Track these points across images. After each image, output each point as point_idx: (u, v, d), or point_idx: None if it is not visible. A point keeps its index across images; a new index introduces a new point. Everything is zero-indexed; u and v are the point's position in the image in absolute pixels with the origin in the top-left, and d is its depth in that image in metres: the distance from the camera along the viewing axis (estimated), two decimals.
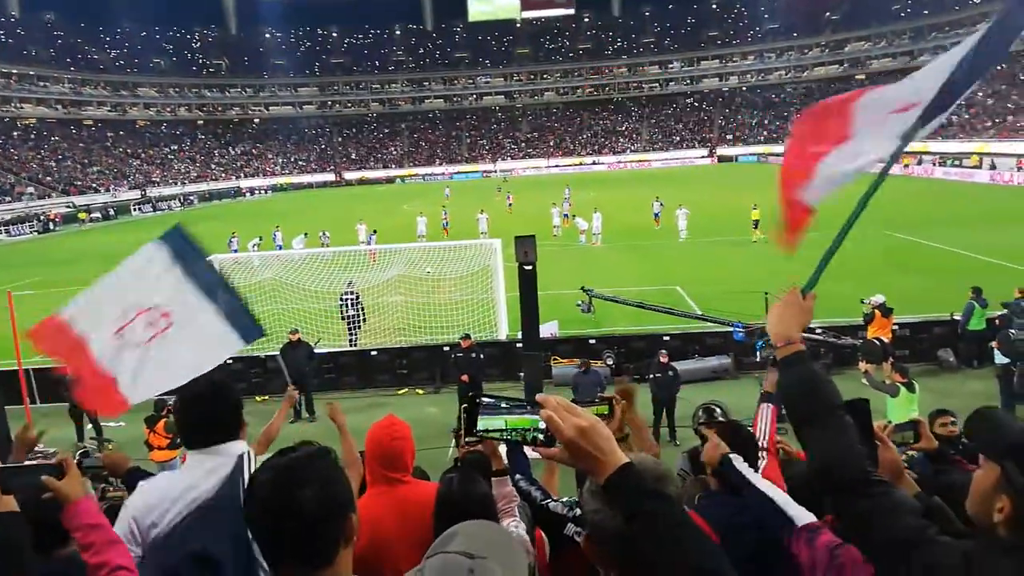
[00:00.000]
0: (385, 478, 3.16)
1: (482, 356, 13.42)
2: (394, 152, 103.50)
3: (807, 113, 2.91)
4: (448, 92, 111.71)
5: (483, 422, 1.55)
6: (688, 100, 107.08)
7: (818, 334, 13.45)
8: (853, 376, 12.17)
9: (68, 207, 64.38)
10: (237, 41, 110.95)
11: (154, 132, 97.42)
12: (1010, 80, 71.05)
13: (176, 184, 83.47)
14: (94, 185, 75.30)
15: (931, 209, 36.73)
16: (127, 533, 2.39)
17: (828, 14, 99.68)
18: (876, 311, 13.51)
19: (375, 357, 15.68)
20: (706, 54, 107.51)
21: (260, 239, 31.26)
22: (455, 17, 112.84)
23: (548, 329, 15.35)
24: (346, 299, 17.32)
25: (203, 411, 2.67)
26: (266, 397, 14.96)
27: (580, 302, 17.22)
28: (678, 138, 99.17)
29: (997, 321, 13.26)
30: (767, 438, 3.66)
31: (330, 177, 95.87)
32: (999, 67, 69.75)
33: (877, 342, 12.72)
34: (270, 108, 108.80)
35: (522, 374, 13.36)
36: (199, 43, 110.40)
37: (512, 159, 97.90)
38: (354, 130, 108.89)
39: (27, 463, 2.35)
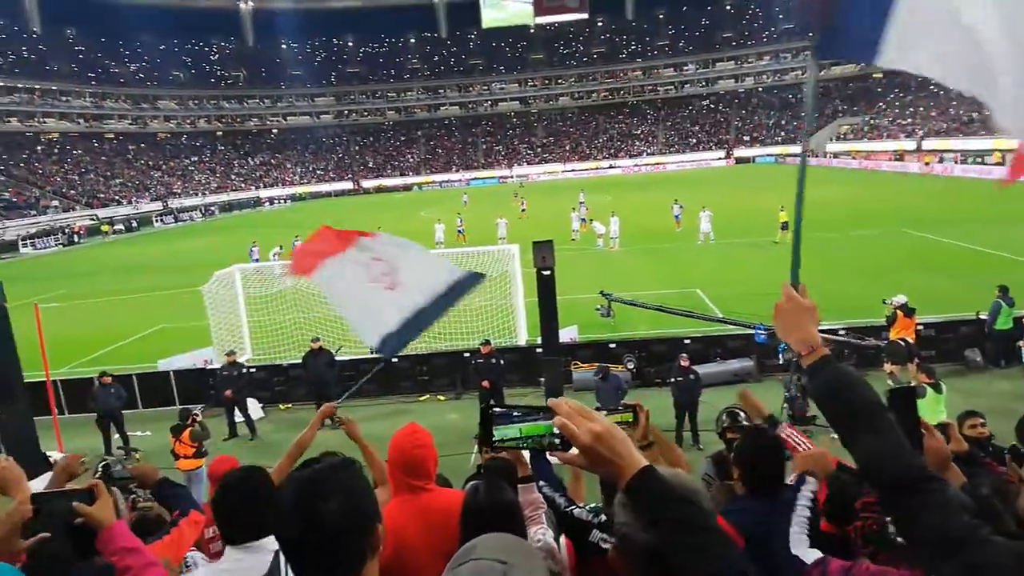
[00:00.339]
0: (408, 486, 3.15)
1: (502, 362, 13.42)
2: (411, 159, 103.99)
3: None
4: (463, 99, 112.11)
5: (499, 432, 1.54)
6: (704, 102, 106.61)
7: (841, 335, 13.32)
8: (878, 377, 12.03)
9: (92, 220, 65.31)
10: (254, 53, 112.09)
11: (174, 144, 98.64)
12: None
13: (197, 195, 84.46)
14: (117, 197, 76.37)
15: (952, 207, 36.25)
16: None
17: None
18: (898, 312, 13.33)
19: (396, 364, 15.71)
20: (721, 55, 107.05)
21: (280, 248, 31.52)
22: (469, 24, 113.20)
23: (567, 334, 15.31)
24: None
25: (239, 507, 2.66)
26: (289, 405, 15.06)
27: (599, 306, 17.18)
28: (694, 140, 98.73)
29: None
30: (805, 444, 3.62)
31: (348, 185, 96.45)
32: None
33: (902, 343, 12.57)
34: (288, 118, 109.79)
35: (542, 379, 13.35)
36: (217, 55, 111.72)
37: (528, 164, 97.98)
38: (371, 138, 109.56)
39: (59, 489, 2.38)
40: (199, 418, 10.60)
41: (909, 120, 76.62)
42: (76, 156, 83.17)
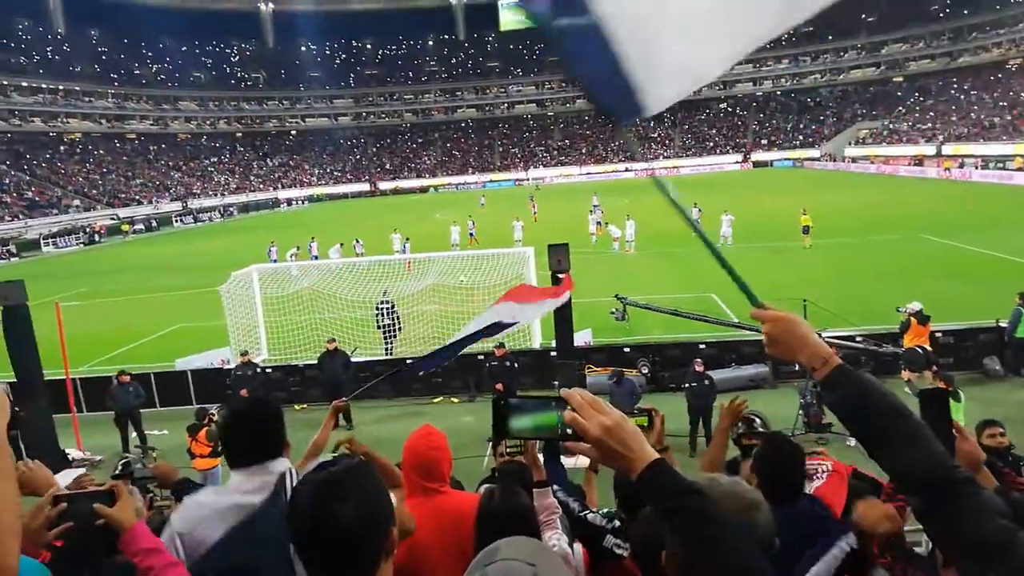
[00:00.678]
0: (422, 488, 3.17)
1: (516, 365, 13.44)
2: (427, 161, 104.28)
3: None
4: (480, 101, 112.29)
5: (512, 422, 1.55)
6: (721, 105, 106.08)
7: (858, 342, 13.21)
8: (895, 385, 11.92)
9: (112, 219, 66.01)
10: (274, 55, 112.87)
11: (194, 145, 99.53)
12: None
13: (216, 195, 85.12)
14: (137, 197, 77.14)
15: (972, 212, 35.85)
16: (171, 549, 2.44)
17: (864, 16, 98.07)
18: (912, 319, 13.19)
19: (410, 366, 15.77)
20: (740, 58, 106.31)
21: (297, 249, 31.73)
22: (486, 27, 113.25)
23: (582, 337, 15.30)
24: (382, 308, 17.46)
25: (245, 430, 2.68)
26: (304, 405, 15.14)
27: (614, 310, 17.14)
28: (711, 144, 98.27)
29: None
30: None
31: (365, 187, 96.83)
32: None
33: (920, 350, 12.45)
34: (306, 120, 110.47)
35: (556, 382, 13.34)
36: (237, 57, 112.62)
37: (544, 167, 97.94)
38: (388, 140, 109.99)
39: (79, 491, 2.41)
40: (216, 418, 10.69)
41: (929, 124, 75.86)
42: (98, 156, 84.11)
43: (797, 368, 13.50)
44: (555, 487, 3.37)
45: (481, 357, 14.75)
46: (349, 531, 1.50)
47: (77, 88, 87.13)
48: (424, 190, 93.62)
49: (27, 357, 11.35)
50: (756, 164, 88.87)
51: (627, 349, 15.28)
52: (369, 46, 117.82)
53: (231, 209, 79.10)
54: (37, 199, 67.57)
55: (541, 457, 3.54)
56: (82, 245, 56.87)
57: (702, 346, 14.61)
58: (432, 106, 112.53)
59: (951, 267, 22.60)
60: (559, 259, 11.48)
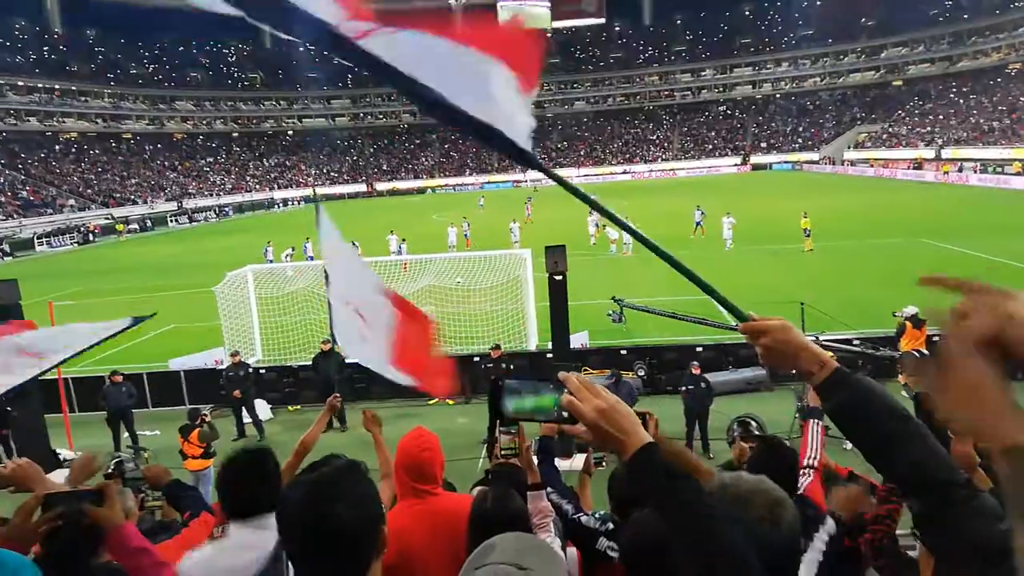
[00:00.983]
0: (414, 490, 3.14)
1: (512, 366, 13.39)
2: (425, 163, 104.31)
3: None
4: None
5: (508, 404, 1.55)
6: (721, 108, 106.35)
7: (855, 346, 13.18)
8: (892, 388, 11.86)
9: (107, 219, 65.90)
10: (271, 55, 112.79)
11: (190, 145, 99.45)
12: None
13: (212, 196, 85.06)
14: (132, 197, 77.03)
15: (969, 216, 35.93)
16: None
17: (864, 19, 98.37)
18: (907, 323, 13.20)
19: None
20: (739, 61, 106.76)
21: (292, 249, 31.68)
22: None
23: (578, 339, 15.26)
24: None
25: (245, 484, 2.68)
26: (298, 407, 15.07)
27: (611, 312, 17.10)
28: (710, 146, 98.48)
29: None
30: (817, 457, 3.57)
31: (362, 188, 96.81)
32: None
33: (916, 354, 12.43)
34: (303, 120, 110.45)
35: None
36: (234, 57, 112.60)
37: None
38: (385, 141, 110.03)
39: (70, 490, 2.39)
40: (208, 418, 10.62)
41: (928, 128, 76.10)
42: (93, 156, 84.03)
43: (794, 371, 13.53)
44: (549, 489, 3.33)
45: (477, 359, 14.71)
46: (342, 531, 1.51)
47: (73, 87, 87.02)
48: (421, 191, 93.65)
49: None
50: (755, 167, 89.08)
51: (624, 351, 15.24)
52: None
53: (227, 209, 78.99)
54: (32, 198, 67.44)
55: (536, 460, 3.50)
56: (76, 245, 56.74)
57: (699, 349, 14.58)
58: None
59: (949, 271, 22.45)
60: (556, 260, 11.46)
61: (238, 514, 2.64)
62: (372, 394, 15.32)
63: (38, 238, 55.63)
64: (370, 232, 39.14)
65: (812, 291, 18.02)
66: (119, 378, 12.98)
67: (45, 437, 12.13)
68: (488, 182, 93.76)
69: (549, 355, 13.15)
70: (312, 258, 31.10)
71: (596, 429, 1.43)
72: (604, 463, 10.50)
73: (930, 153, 68.77)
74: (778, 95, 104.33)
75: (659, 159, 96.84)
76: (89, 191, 74.84)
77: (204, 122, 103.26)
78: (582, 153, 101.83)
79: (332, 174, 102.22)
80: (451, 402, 14.94)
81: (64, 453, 12.62)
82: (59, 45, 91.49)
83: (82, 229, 60.24)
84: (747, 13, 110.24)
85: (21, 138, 78.10)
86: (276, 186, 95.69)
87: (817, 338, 10.67)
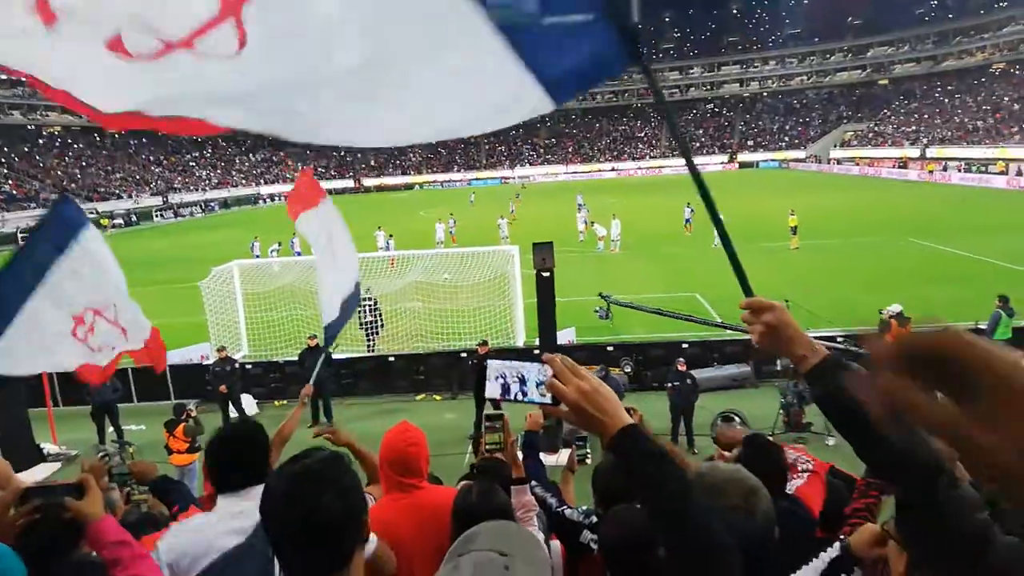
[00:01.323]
0: (399, 484, 3.15)
1: None
2: (412, 158, 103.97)
3: None
4: None
5: (491, 387, 1.58)
6: (708, 106, 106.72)
7: (839, 343, 13.28)
8: None
9: (91, 213, 65.14)
10: None
11: (176, 139, 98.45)
12: None
13: (197, 191, 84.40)
14: (117, 192, 76.32)
15: (952, 215, 36.25)
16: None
17: (850, 19, 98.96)
18: (892, 321, 13.31)
19: (393, 363, 15.71)
20: (727, 59, 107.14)
21: (279, 245, 31.50)
22: None
23: (565, 336, 15.29)
24: (364, 305, 17.35)
25: (234, 454, 2.69)
26: (284, 402, 15.04)
27: (598, 308, 17.09)
28: (698, 144, 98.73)
29: None
30: (812, 461, 3.59)
31: (349, 184, 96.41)
32: None
33: None
34: None
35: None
36: None
37: (530, 165, 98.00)
38: None
39: (49, 483, 2.39)
40: (193, 413, 10.58)
41: (913, 127, 76.69)
42: (77, 150, 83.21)
43: (779, 368, 13.62)
44: (533, 483, 3.35)
45: (464, 354, 14.73)
46: (328, 520, 1.51)
47: None
48: (409, 187, 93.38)
49: None
50: (742, 165, 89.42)
51: (611, 348, 15.30)
52: None
53: (212, 204, 78.42)
54: (15, 193, 66.72)
55: (521, 455, 3.53)
56: None
57: (685, 345, 14.65)
58: None
59: (933, 270, 22.78)
60: (543, 257, 11.47)
61: (227, 486, 2.64)
62: (359, 390, 15.33)
63: (21, 232, 55.01)
64: (357, 229, 39.01)
65: (797, 289, 18.11)
66: None
67: (29, 431, 12.04)
68: (476, 179, 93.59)
69: (536, 351, 13.16)
70: (300, 254, 30.97)
71: (578, 410, 1.44)
72: (588, 460, 10.57)
73: (915, 152, 69.33)
74: (765, 93, 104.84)
75: (647, 156, 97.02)
76: (73, 186, 74.04)
77: None
78: (570, 150, 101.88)
79: (319, 169, 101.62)
80: (438, 398, 14.96)
81: (47, 447, 12.54)
82: None
83: None
84: (735, 12, 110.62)
85: (4, 132, 77.12)
86: (262, 181, 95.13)
87: None
